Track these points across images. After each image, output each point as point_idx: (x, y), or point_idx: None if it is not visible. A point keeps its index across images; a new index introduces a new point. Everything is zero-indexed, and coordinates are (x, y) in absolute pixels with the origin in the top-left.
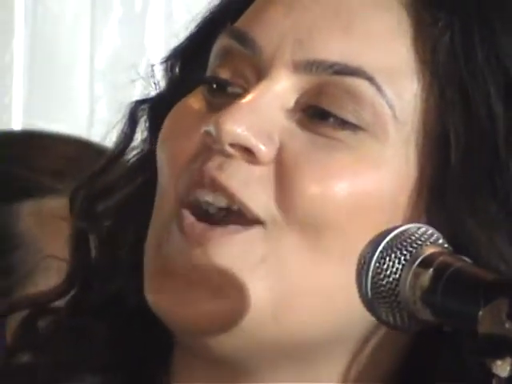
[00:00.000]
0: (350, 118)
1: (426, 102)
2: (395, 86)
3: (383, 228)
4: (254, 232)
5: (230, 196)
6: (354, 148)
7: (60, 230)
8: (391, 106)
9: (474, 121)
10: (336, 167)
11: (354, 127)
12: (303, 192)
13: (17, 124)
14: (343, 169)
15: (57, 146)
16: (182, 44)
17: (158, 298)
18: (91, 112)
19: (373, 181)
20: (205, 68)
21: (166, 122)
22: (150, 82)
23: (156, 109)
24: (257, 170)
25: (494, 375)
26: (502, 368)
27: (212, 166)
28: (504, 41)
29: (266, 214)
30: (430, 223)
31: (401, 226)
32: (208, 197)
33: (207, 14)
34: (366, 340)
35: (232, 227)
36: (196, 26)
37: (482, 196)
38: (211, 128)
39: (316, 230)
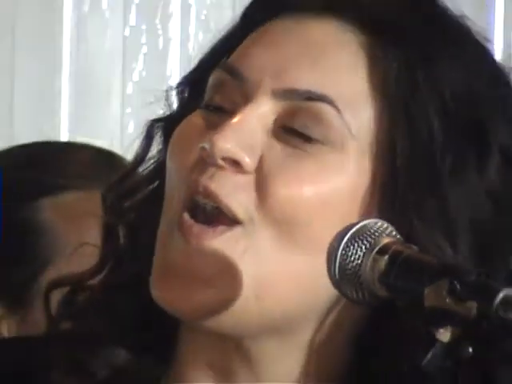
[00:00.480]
0: (316, 135)
1: (379, 121)
2: (353, 109)
3: (343, 223)
4: (237, 230)
5: (218, 202)
6: (319, 158)
7: (75, 219)
8: (349, 126)
9: (416, 136)
10: (304, 174)
11: (319, 142)
12: (276, 194)
13: (64, 139)
14: (310, 175)
15: (72, 153)
16: (189, 74)
17: (160, 294)
18: (122, 129)
19: (334, 184)
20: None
21: (173, 138)
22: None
23: (168, 126)
24: (241, 178)
25: (437, 340)
26: (443, 335)
27: (205, 176)
28: (439, 71)
29: (244, 215)
30: (381, 218)
31: (362, 220)
32: (203, 201)
33: (208, 52)
34: (329, 311)
35: (220, 228)
36: (199, 61)
37: (423, 198)
38: (206, 145)
39: (287, 225)
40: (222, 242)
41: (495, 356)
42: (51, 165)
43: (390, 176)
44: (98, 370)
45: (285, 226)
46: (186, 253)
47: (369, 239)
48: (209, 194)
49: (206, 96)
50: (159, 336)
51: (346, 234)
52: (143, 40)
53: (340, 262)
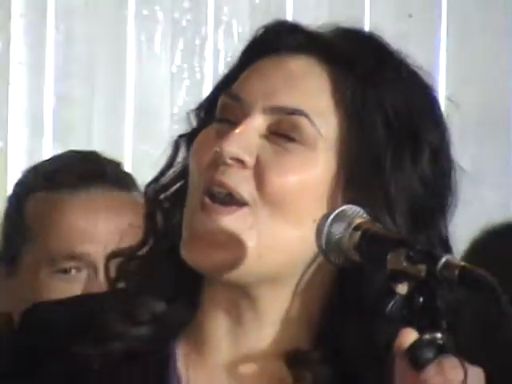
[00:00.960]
0: (296, 137)
1: (340, 127)
2: (321, 119)
3: (320, 203)
4: (244, 210)
5: (230, 189)
6: (299, 155)
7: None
8: (319, 131)
9: (365, 138)
10: (289, 166)
11: (298, 142)
12: (270, 182)
13: (128, 150)
14: (293, 167)
15: (76, 162)
16: (204, 101)
17: (188, 254)
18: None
19: (312, 174)
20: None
21: (194, 146)
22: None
23: (189, 138)
24: (245, 172)
25: (396, 293)
26: (402, 289)
27: (219, 173)
28: (383, 92)
29: (249, 198)
30: (345, 198)
31: (342, 206)
32: (217, 190)
33: (217, 84)
34: (308, 267)
35: (233, 207)
36: (212, 91)
37: (371, 183)
38: (217, 149)
39: (280, 206)
40: (233, 218)
41: (439, 304)
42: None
43: (348, 168)
44: (141, 316)
45: (278, 206)
46: (207, 224)
47: (347, 219)
48: (222, 185)
49: (217, 114)
50: (188, 290)
51: (330, 215)
52: (185, 75)
53: (326, 236)
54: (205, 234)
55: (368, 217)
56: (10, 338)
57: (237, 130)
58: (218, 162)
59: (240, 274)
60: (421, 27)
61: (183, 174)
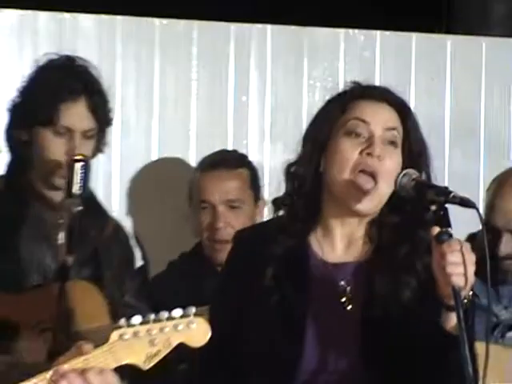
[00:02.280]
0: (396, 142)
1: (402, 139)
2: (400, 133)
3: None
4: (377, 185)
5: (375, 175)
6: (397, 151)
7: None
8: (400, 139)
9: (409, 144)
10: (395, 158)
11: (395, 145)
12: (389, 169)
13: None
14: (397, 158)
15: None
16: (312, 130)
17: (359, 206)
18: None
19: (400, 160)
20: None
21: (340, 151)
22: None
23: (318, 152)
24: (379, 163)
25: (430, 210)
26: (432, 208)
27: (374, 164)
28: (412, 125)
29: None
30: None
31: (406, 169)
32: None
33: (326, 115)
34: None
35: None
36: (316, 121)
37: (416, 163)
38: (372, 151)
39: (390, 179)
40: (379, 188)
41: (447, 215)
42: None
43: (405, 157)
44: (276, 250)
45: (390, 179)
46: (369, 190)
47: (408, 175)
48: (375, 174)
49: (351, 130)
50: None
51: (400, 173)
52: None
53: (399, 184)
54: (368, 193)
55: (417, 173)
56: None
57: (374, 146)
58: (372, 156)
59: (369, 213)
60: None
61: (306, 178)
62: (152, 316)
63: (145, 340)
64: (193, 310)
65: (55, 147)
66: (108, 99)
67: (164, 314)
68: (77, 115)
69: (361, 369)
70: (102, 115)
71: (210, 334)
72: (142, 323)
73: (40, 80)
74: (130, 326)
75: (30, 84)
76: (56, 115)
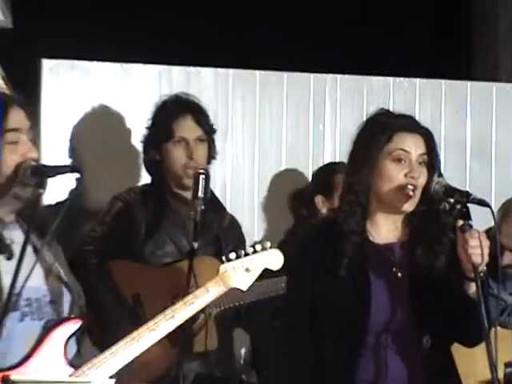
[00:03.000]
0: (426, 162)
1: (426, 160)
2: (425, 156)
3: None
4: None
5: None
6: (425, 169)
7: None
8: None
9: (432, 159)
10: (426, 174)
11: (425, 165)
12: (422, 182)
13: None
14: (424, 174)
15: None
16: (357, 164)
17: (405, 206)
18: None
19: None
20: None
21: (387, 171)
22: None
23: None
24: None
25: (456, 207)
26: (458, 206)
27: (414, 182)
28: (433, 144)
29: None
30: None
31: (436, 178)
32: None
33: (376, 145)
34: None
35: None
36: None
37: (434, 174)
38: (413, 175)
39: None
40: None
41: (467, 211)
42: None
43: (429, 170)
44: (348, 244)
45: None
46: (411, 197)
47: (439, 183)
48: (416, 185)
49: (396, 157)
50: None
51: (434, 182)
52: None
53: (433, 189)
54: (410, 201)
55: (445, 181)
56: None
57: (414, 165)
58: (414, 178)
59: (410, 211)
60: None
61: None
62: (242, 252)
63: (241, 269)
64: (268, 244)
65: (178, 154)
66: (208, 115)
67: (250, 249)
68: (186, 127)
69: (412, 320)
70: (205, 125)
71: (282, 260)
72: (236, 258)
73: (159, 112)
74: (229, 260)
75: (153, 118)
76: (173, 131)
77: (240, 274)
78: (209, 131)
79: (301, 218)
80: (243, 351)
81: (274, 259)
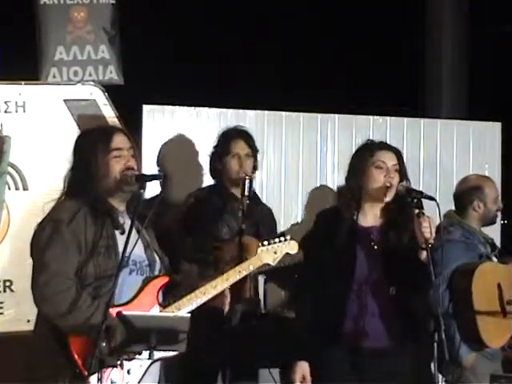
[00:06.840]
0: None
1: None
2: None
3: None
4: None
5: None
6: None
7: None
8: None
9: (403, 169)
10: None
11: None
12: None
13: None
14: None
15: None
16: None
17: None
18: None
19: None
20: None
21: (374, 179)
22: None
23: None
24: None
25: (414, 201)
26: (416, 200)
27: (390, 179)
28: (402, 166)
29: None
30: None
31: (401, 182)
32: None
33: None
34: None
35: None
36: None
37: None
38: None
39: None
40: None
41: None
42: None
43: (400, 176)
44: (345, 223)
45: None
46: (389, 191)
47: (402, 185)
48: (391, 183)
49: (378, 166)
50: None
51: (399, 184)
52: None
53: (399, 189)
54: (388, 193)
55: (406, 184)
56: None
57: (390, 171)
58: (390, 178)
59: (387, 201)
60: None
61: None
62: (272, 240)
63: (271, 251)
64: (288, 236)
65: (233, 164)
66: (254, 139)
67: (276, 239)
68: (239, 146)
69: (383, 278)
70: (252, 146)
71: (297, 248)
72: (268, 244)
73: (222, 137)
74: (263, 245)
75: (218, 141)
76: (230, 148)
77: (270, 254)
78: (254, 150)
79: None
80: (283, 293)
81: (292, 246)
